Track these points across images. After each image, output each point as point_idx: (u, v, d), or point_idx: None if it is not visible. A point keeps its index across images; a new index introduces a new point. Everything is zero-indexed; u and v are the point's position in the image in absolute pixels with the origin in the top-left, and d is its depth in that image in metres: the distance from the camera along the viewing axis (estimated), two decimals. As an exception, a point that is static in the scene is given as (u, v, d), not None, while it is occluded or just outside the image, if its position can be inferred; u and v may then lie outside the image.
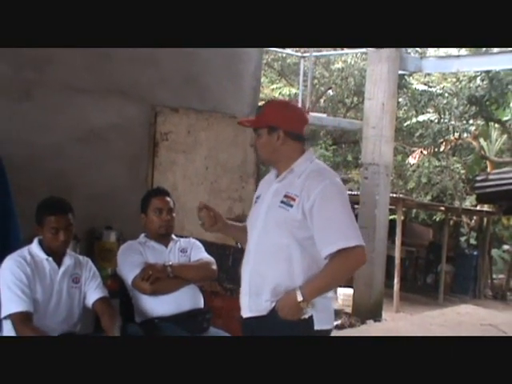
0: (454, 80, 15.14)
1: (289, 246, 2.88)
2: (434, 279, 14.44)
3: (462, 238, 16.68)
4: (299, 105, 11.10)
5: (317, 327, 2.90)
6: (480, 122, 15.80)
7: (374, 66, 9.73)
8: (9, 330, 3.31)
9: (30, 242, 3.61)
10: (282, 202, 2.88)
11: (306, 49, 12.54)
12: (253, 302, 2.95)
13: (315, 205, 2.82)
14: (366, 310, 9.56)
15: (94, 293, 3.59)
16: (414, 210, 15.63)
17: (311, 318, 2.89)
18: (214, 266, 3.91)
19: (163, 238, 3.90)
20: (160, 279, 3.68)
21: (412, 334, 7.69)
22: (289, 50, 14.16)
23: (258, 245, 2.98)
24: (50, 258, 3.48)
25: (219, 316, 4.17)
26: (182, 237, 4.07)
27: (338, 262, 2.81)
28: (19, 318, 3.26)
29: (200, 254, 3.94)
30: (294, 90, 15.77)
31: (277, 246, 2.89)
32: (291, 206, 2.86)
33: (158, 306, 3.70)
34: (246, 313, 2.99)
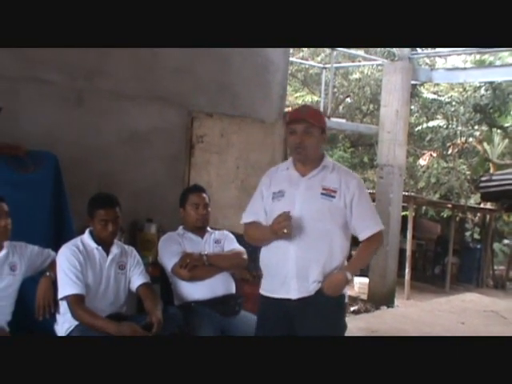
0: (461, 90, 15.01)
1: (330, 231, 3.04)
2: (442, 270, 14.29)
3: (467, 233, 16.49)
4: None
5: (346, 300, 3.17)
6: (484, 127, 15.65)
7: (389, 76, 9.68)
8: (65, 310, 3.36)
9: (81, 232, 3.64)
10: (323, 194, 3.04)
11: (327, 60, 12.49)
12: (301, 285, 3.05)
13: (355, 196, 3.06)
14: (380, 297, 9.50)
15: (137, 278, 3.61)
16: (424, 207, 15.51)
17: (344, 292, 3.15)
18: (245, 256, 3.91)
19: (199, 230, 3.91)
20: (197, 267, 3.69)
21: (421, 319, 7.63)
22: (311, 62, 14.12)
23: (300, 233, 3.02)
24: (100, 247, 3.51)
25: (248, 301, 4.16)
26: (216, 229, 4.07)
27: (373, 242, 3.14)
28: (73, 300, 3.30)
29: (232, 245, 3.94)
30: (315, 98, 15.72)
31: (321, 232, 3.03)
32: (333, 197, 3.04)
33: (195, 290, 3.72)
34: (294, 295, 3.06)
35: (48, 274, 3.47)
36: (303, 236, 3.03)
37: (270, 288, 3.18)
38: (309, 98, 15.92)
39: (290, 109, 14.53)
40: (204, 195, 3.92)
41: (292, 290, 3.05)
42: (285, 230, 2.95)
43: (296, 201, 3.07)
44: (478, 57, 15.37)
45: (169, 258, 3.75)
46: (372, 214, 3.17)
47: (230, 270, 3.89)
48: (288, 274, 3.05)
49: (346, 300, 3.18)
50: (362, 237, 3.12)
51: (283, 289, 3.08)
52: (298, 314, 3.06)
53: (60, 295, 3.35)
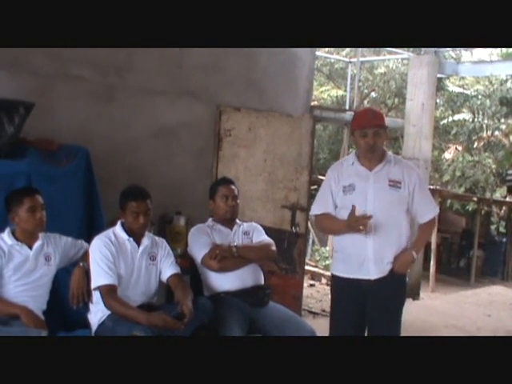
0: (487, 83, 14.85)
1: (399, 218, 3.47)
2: (467, 263, 14.19)
3: (492, 226, 16.35)
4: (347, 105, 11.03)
5: (407, 278, 3.67)
6: (510, 121, 15.46)
7: (415, 70, 9.61)
8: (98, 299, 3.39)
9: (111, 224, 3.67)
10: (390, 185, 3.46)
11: (352, 55, 12.42)
12: (378, 266, 3.46)
13: (416, 186, 3.49)
14: (406, 290, 9.45)
15: (168, 269, 3.62)
16: (449, 201, 15.39)
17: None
18: (274, 248, 3.90)
19: (229, 222, 3.91)
20: (226, 258, 3.71)
21: (447, 311, 7.58)
22: (337, 56, 14.06)
23: (375, 221, 3.39)
24: (131, 239, 3.52)
25: (275, 292, 4.17)
26: (244, 221, 4.08)
27: (431, 226, 3.68)
28: (106, 290, 3.33)
29: (261, 237, 3.94)
30: (340, 92, 15.67)
31: (393, 219, 3.44)
32: (399, 187, 3.46)
33: (224, 281, 3.72)
34: (373, 275, 3.46)
35: (81, 264, 3.52)
36: (377, 224, 3.40)
37: (346, 270, 3.53)
38: (334, 93, 15.87)
39: (315, 103, 14.49)
40: (233, 187, 3.92)
41: (371, 272, 3.46)
42: (361, 227, 3.34)
43: (368, 193, 3.46)
44: (504, 49, 15.18)
45: (199, 250, 3.76)
46: (430, 200, 3.68)
47: (259, 262, 3.89)
48: (366, 257, 3.45)
49: (407, 279, 3.67)
50: (423, 220, 3.59)
51: (362, 270, 3.47)
52: (374, 291, 3.46)
53: (93, 285, 3.39)
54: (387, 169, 3.50)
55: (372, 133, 3.42)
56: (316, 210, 3.66)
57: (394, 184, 3.46)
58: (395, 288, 3.54)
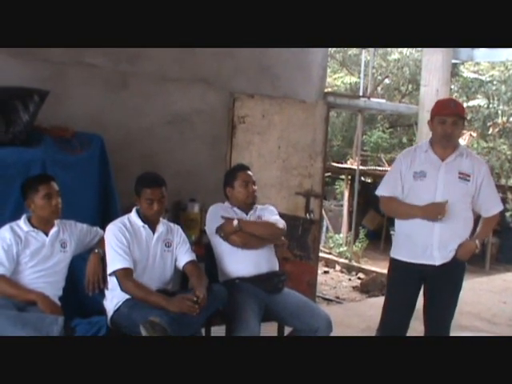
0: (503, 68, 14.70)
1: (464, 209, 3.59)
2: (481, 250, 14.04)
3: (507, 213, 16.22)
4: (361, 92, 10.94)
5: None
6: (526, 106, 15.32)
7: (429, 55, 9.55)
8: (114, 285, 3.41)
9: (126, 211, 3.69)
10: (460, 178, 3.56)
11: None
12: (442, 253, 3.58)
13: (484, 180, 3.60)
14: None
15: (184, 256, 3.63)
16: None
17: None
18: (281, 225, 3.88)
19: (246, 207, 3.91)
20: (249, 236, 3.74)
21: (462, 298, 7.51)
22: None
23: None
24: (146, 225, 3.53)
25: (290, 279, 4.17)
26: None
27: (494, 220, 3.77)
28: (122, 274, 3.35)
29: (270, 216, 3.93)
30: (354, 79, 15.59)
31: (458, 210, 3.54)
32: (468, 180, 3.57)
33: (239, 267, 3.74)
34: (437, 261, 3.59)
35: (97, 250, 3.54)
36: (446, 213, 3.51)
37: (410, 255, 3.65)
38: (347, 79, 15.79)
39: (329, 90, 14.41)
40: (250, 173, 3.94)
41: (435, 258, 3.59)
42: (439, 216, 3.49)
43: (438, 182, 3.56)
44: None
45: (218, 222, 3.78)
46: (496, 196, 3.76)
47: (267, 238, 3.84)
48: (432, 244, 3.57)
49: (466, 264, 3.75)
50: (487, 214, 3.69)
51: (425, 256, 3.59)
52: (437, 275, 3.60)
53: (109, 270, 3.40)
54: (459, 161, 3.59)
55: (451, 121, 3.50)
56: (383, 191, 3.74)
57: (464, 177, 3.56)
58: (457, 273, 3.68)
